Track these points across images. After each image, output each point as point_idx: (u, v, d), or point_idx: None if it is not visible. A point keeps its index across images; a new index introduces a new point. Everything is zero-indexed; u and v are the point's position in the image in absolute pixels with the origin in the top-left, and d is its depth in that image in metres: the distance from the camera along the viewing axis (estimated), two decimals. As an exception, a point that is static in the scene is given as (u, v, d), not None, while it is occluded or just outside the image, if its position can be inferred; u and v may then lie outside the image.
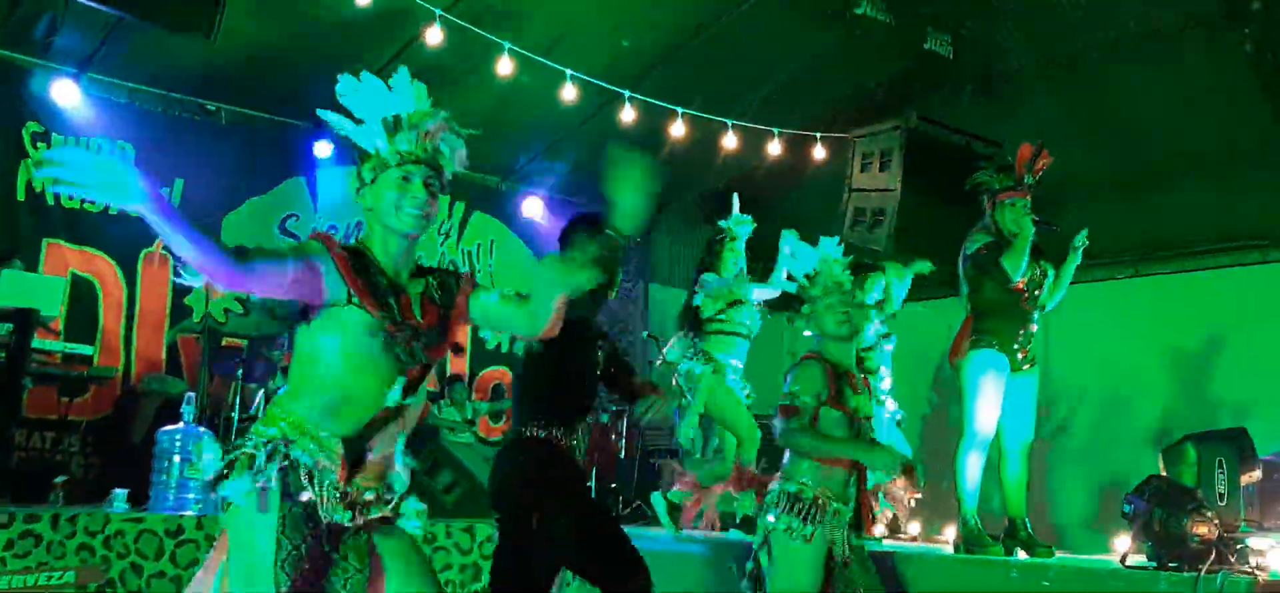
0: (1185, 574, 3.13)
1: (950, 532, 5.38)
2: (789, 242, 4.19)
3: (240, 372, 7.10)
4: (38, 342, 6.48)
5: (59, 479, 5.78)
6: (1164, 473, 3.90)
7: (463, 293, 2.69)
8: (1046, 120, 8.85)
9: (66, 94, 7.44)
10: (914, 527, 5.91)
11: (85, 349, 7.00)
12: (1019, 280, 4.81)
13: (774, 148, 8.13)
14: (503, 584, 3.58)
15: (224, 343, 8.01)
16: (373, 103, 2.63)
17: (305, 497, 2.39)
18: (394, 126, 2.61)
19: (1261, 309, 8.34)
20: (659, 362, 6.51)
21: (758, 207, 10.66)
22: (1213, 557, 3.15)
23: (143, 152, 7.68)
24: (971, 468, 4.73)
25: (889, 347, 6.45)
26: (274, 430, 2.44)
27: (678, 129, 7.79)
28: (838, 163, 8.13)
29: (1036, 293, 4.98)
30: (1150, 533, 3.40)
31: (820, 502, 3.51)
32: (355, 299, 2.47)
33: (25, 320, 5.95)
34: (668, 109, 7.71)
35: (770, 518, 3.56)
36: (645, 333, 9.15)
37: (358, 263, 2.52)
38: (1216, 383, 8.50)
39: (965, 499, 4.70)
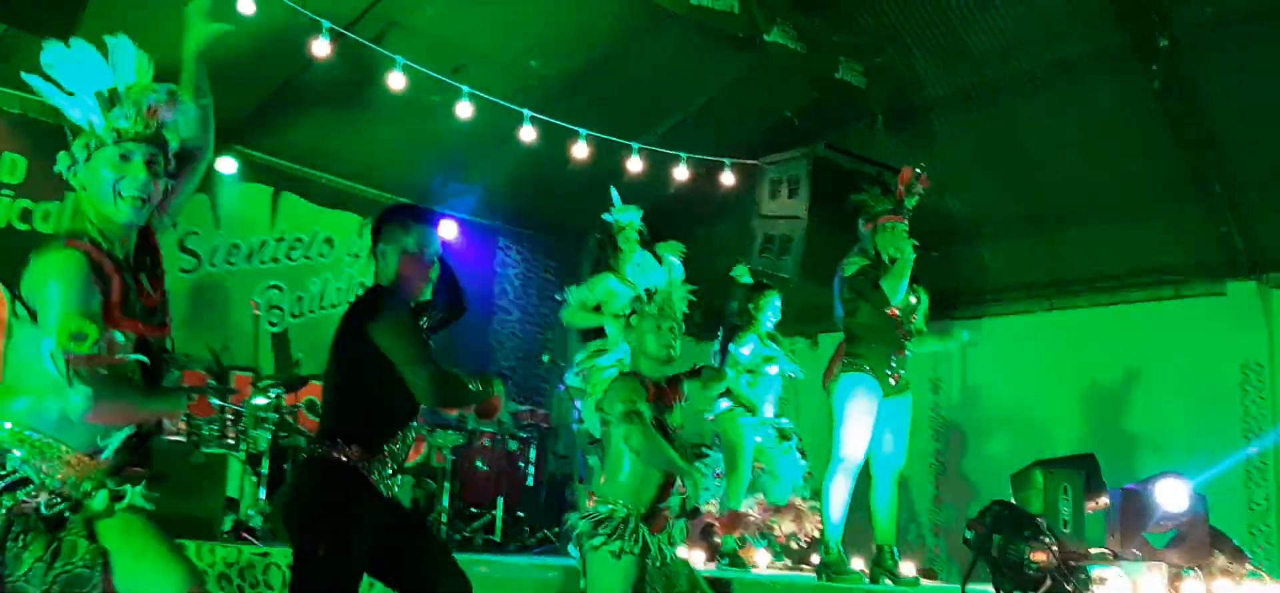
0: (1022, 604, 3.06)
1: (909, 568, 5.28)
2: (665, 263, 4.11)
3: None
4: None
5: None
6: (1010, 499, 3.84)
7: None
8: (959, 152, 8.91)
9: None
10: (763, 558, 5.83)
11: None
12: (895, 306, 4.77)
13: (682, 173, 8.05)
14: None
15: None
16: (86, 73, 2.42)
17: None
18: (110, 101, 2.41)
19: (1174, 342, 8.42)
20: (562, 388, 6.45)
21: (670, 233, 10.62)
22: (1048, 583, 3.08)
23: (33, 164, 7.44)
24: (837, 494, 4.66)
25: (773, 370, 6.39)
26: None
27: (584, 151, 7.68)
28: (748, 190, 8.07)
29: (910, 318, 4.94)
30: (990, 559, 3.33)
31: (630, 521, 3.48)
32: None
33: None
34: (573, 131, 7.59)
35: (586, 538, 3.52)
36: (546, 357, 9.01)
37: (103, 256, 2.35)
38: (1131, 415, 8.57)
39: (828, 526, 4.62)
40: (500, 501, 8.28)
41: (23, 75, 2.51)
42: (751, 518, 6.18)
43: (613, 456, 3.63)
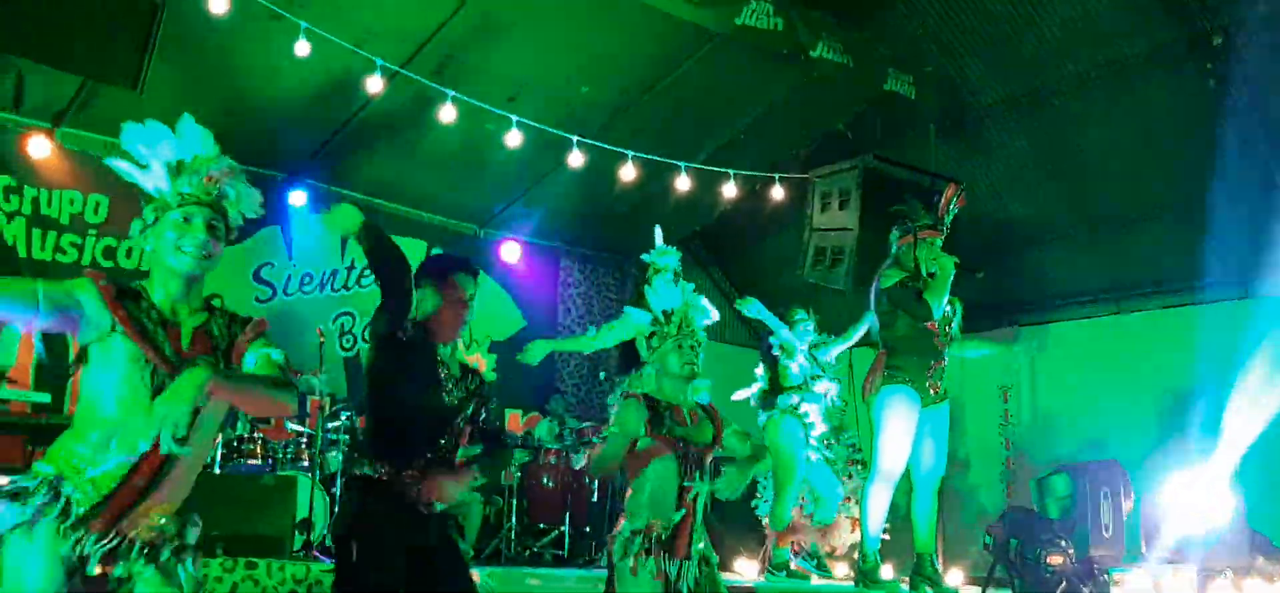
0: (1035, 606, 3.10)
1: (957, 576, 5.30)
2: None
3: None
4: (5, 392, 6.60)
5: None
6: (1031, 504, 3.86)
7: (244, 338, 2.71)
8: (1015, 158, 8.88)
9: (40, 148, 7.62)
10: (841, 569, 5.88)
11: (43, 398, 7.10)
12: (936, 318, 4.83)
13: (732, 190, 8.16)
14: None
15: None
16: (156, 147, 2.68)
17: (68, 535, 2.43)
18: (177, 170, 2.67)
19: (1243, 344, 8.25)
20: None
21: (722, 251, 10.75)
22: (1064, 586, 3.12)
23: (117, 205, 7.86)
24: (876, 504, 4.71)
25: (820, 386, 6.45)
26: (50, 468, 2.49)
27: (632, 174, 7.83)
28: (800, 204, 8.16)
29: (947, 330, 4.98)
30: (1007, 562, 3.37)
31: (654, 534, 3.59)
32: (119, 328, 2.51)
33: (-18, 368, 6.06)
34: (622, 154, 7.77)
35: (613, 553, 3.65)
36: (602, 374, 9.17)
37: (126, 296, 2.58)
38: (1202, 419, 8.41)
39: (866, 536, 4.68)
40: (567, 517, 8.44)
41: (106, 161, 2.79)
42: (801, 528, 6.25)
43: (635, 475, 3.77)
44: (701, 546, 3.76)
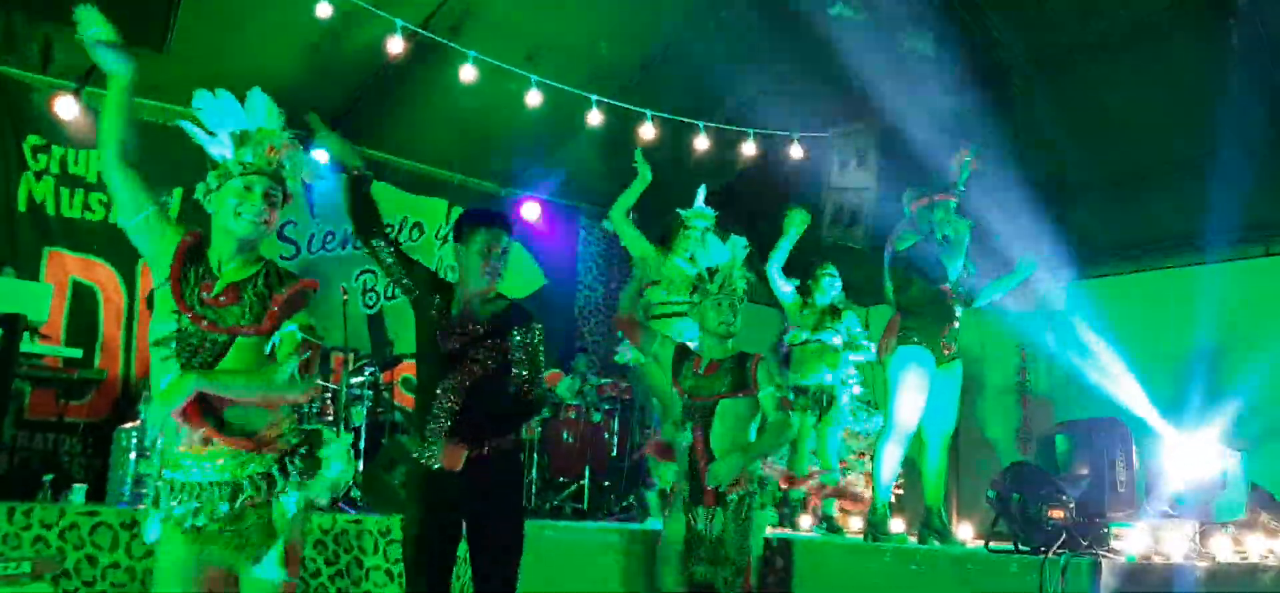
0: (1035, 556, 3.16)
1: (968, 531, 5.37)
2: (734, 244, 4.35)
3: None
4: (32, 346, 6.73)
5: (47, 478, 6.02)
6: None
7: (282, 303, 2.81)
8: (1039, 116, 8.82)
9: (67, 108, 7.72)
10: (856, 522, 5.98)
11: (75, 353, 7.25)
12: (953, 280, 4.87)
13: (752, 149, 8.17)
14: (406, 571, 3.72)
15: (223, 347, 8.24)
16: (224, 117, 2.81)
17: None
18: (241, 140, 2.78)
19: (1268, 301, 8.23)
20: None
21: (742, 209, 10.75)
22: (1063, 539, 3.18)
23: (143, 161, 7.96)
24: (889, 459, 4.81)
25: (837, 340, 6.50)
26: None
27: (651, 133, 7.86)
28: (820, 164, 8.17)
29: (960, 291, 5.02)
30: (1010, 516, 3.44)
31: (674, 487, 3.71)
32: (166, 284, 2.63)
33: (12, 325, 6.17)
34: (641, 113, 7.79)
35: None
36: (620, 332, 9.25)
37: (194, 251, 2.69)
38: (1226, 377, 8.40)
39: (878, 488, 4.77)
40: (587, 471, 8.56)
41: (177, 123, 3.00)
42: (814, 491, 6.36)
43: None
44: (740, 493, 3.83)
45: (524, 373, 3.64)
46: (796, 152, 8.21)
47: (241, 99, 2.90)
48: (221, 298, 2.73)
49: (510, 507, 3.71)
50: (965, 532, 5.00)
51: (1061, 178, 9.17)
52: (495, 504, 3.59)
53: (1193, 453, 4.45)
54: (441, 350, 3.60)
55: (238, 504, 2.67)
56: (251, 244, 2.83)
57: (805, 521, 6.33)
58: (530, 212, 10.14)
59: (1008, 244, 9.00)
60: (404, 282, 3.74)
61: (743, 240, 4.22)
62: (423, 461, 3.57)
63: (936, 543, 4.51)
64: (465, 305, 3.69)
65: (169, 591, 2.69)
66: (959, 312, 5.09)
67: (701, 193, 6.35)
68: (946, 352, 4.92)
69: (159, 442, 2.73)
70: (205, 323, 2.69)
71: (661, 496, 6.05)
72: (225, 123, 2.83)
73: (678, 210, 6.43)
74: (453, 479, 3.52)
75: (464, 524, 3.63)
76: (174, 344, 2.68)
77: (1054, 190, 9.25)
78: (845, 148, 7.70)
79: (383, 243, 3.70)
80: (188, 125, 2.88)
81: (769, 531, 5.15)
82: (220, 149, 2.84)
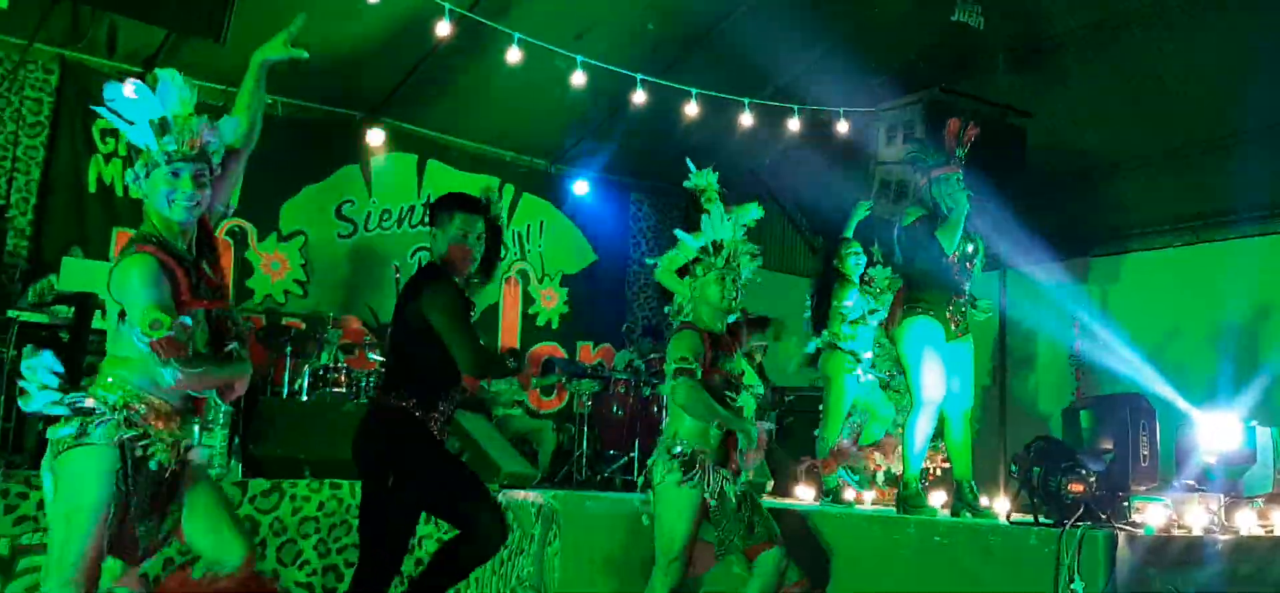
0: (1053, 529, 3.21)
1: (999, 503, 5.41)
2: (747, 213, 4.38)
3: (288, 349, 7.55)
4: (102, 323, 7.03)
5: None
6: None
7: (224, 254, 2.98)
8: (1093, 87, 8.73)
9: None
10: (869, 495, 6.01)
11: (142, 329, 7.52)
12: (953, 253, 4.89)
13: (799, 125, 8.21)
14: (365, 530, 3.91)
15: (283, 322, 8.51)
16: (140, 106, 2.92)
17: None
18: (161, 129, 2.90)
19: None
20: None
21: (790, 184, 10.79)
22: (1081, 512, 3.22)
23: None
24: (920, 432, 4.86)
25: (876, 321, 6.54)
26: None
27: (695, 110, 7.92)
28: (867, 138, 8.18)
29: (968, 265, 5.05)
30: (1031, 489, 3.48)
31: (696, 458, 3.77)
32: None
33: (84, 304, 6.46)
34: (702, 93, 7.86)
35: (655, 472, 3.85)
36: (668, 308, 9.34)
37: (169, 254, 2.87)
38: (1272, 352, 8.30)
39: (909, 461, 4.82)
40: (635, 443, 8.69)
41: (94, 108, 3.09)
42: (846, 452, 6.41)
43: (672, 403, 3.96)
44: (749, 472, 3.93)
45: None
46: (843, 127, 8.22)
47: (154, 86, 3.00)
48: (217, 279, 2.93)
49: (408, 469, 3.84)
50: (1005, 505, 5.03)
51: (1116, 150, 9.07)
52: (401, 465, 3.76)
53: (1225, 426, 4.44)
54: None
55: None
56: (188, 227, 2.96)
57: (868, 496, 6.38)
58: (581, 188, 10.27)
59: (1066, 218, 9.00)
60: None
61: (753, 207, 4.22)
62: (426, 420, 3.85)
63: (968, 515, 4.56)
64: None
65: None
66: (966, 286, 5.10)
67: (689, 162, 6.04)
68: (954, 324, 4.95)
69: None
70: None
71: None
72: (143, 111, 2.93)
73: (684, 185, 6.29)
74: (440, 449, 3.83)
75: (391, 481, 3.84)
76: None
77: (1107, 163, 9.17)
78: (892, 122, 7.68)
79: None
80: (105, 112, 2.97)
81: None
82: (143, 137, 2.94)
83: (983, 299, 5.37)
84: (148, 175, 2.93)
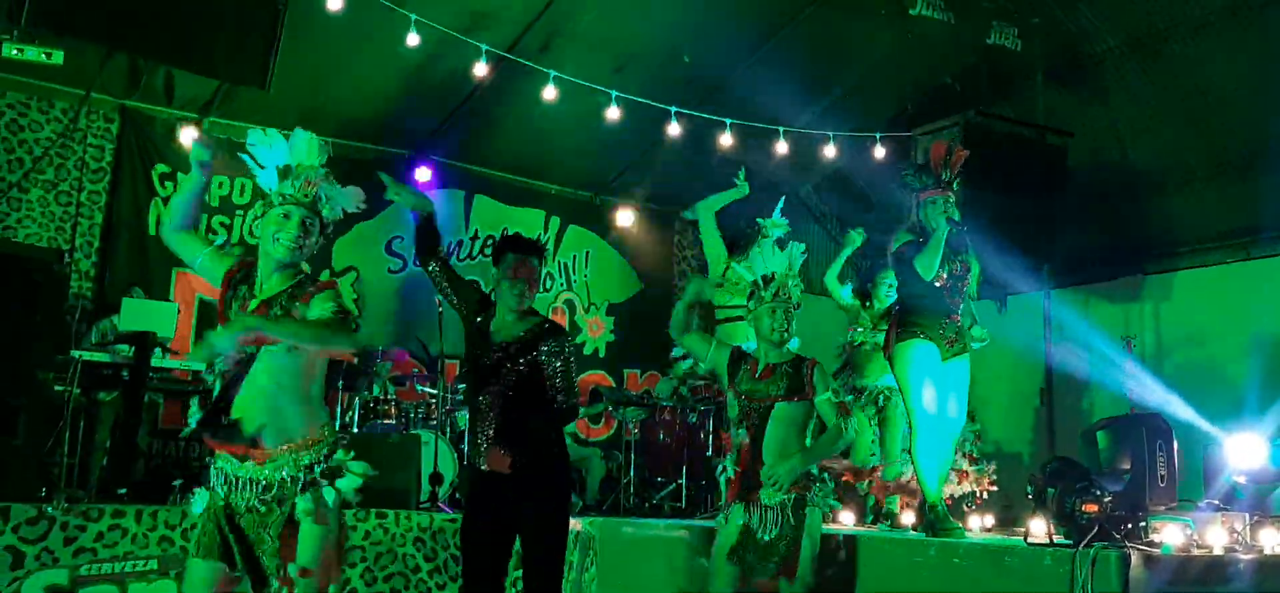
0: (1067, 549, 3.22)
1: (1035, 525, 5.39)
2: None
3: (340, 383, 7.75)
4: (162, 360, 7.29)
5: (177, 482, 6.53)
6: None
7: (308, 293, 3.13)
8: (1136, 103, 8.67)
9: (191, 138, 8.27)
10: (908, 517, 6.01)
11: (198, 366, 7.79)
12: (934, 278, 4.91)
13: (834, 152, 8.27)
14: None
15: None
16: (273, 154, 3.13)
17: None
18: (284, 174, 3.10)
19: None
20: None
21: (828, 210, 10.80)
22: (1096, 531, 3.24)
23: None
24: (927, 456, 4.90)
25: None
26: None
27: (730, 141, 8.03)
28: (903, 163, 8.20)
29: (960, 285, 5.07)
30: (1047, 510, 3.50)
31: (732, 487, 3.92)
32: (213, 303, 3.02)
33: (143, 342, 6.73)
34: (736, 122, 7.97)
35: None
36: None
37: (240, 275, 3.06)
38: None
39: (928, 486, 4.85)
40: (683, 470, 8.75)
41: (240, 155, 3.35)
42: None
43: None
44: (791, 494, 3.99)
45: (557, 382, 3.92)
46: (879, 152, 8.27)
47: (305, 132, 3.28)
48: (256, 311, 3.06)
49: (553, 507, 3.98)
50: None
51: (1161, 166, 8.99)
52: (539, 505, 3.87)
53: (1252, 445, 4.40)
54: (482, 363, 3.95)
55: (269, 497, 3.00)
56: (289, 265, 3.15)
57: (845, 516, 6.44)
58: (624, 218, 10.41)
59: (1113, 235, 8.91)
60: (452, 299, 4.10)
61: (800, 247, 4.38)
62: (476, 463, 3.92)
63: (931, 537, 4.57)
64: (501, 321, 4.04)
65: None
66: (961, 306, 5.11)
67: (781, 203, 6.52)
68: (949, 344, 4.97)
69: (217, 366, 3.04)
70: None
71: None
72: (274, 158, 3.18)
73: (758, 220, 6.60)
74: (501, 480, 3.84)
75: (514, 523, 3.95)
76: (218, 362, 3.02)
77: (1153, 179, 9.08)
78: (929, 145, 7.70)
79: (436, 266, 4.07)
80: (246, 158, 3.23)
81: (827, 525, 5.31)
82: (268, 181, 3.19)
83: (977, 326, 5.37)
84: (263, 216, 3.18)
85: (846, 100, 8.59)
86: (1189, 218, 9.27)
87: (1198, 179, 9.02)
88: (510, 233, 4.31)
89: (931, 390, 4.85)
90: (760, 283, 4.22)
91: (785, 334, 4.20)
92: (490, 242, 9.91)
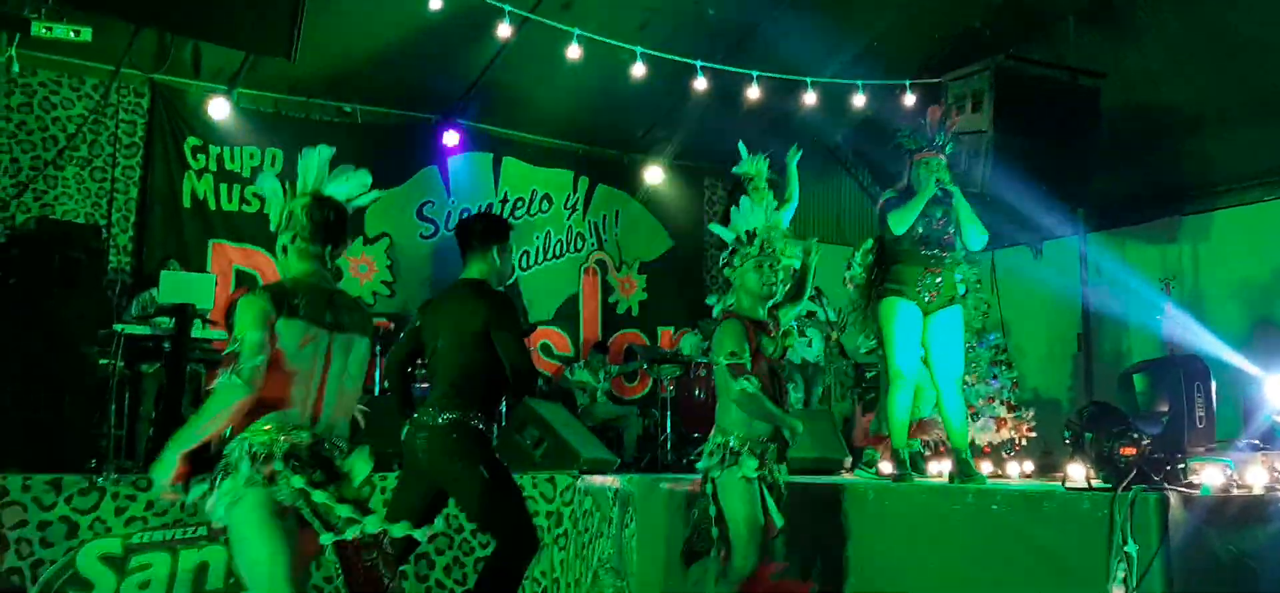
0: (1105, 493, 3.21)
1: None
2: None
3: (377, 348, 7.82)
4: (202, 331, 7.38)
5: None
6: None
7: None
8: (1169, 43, 8.53)
9: (219, 109, 8.37)
10: (934, 467, 5.98)
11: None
12: (901, 233, 4.92)
13: (864, 101, 8.20)
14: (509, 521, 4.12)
15: (373, 323, 8.81)
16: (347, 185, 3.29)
17: None
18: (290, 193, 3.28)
19: None
20: None
21: (857, 161, 10.72)
22: (1133, 475, 3.22)
23: (288, 155, 8.57)
24: (897, 408, 4.97)
25: None
26: None
27: (757, 93, 7.97)
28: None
29: (944, 239, 5.04)
30: (1084, 455, 3.49)
31: (747, 446, 3.84)
32: None
33: (183, 314, 6.81)
34: (763, 75, 7.90)
35: (709, 463, 3.94)
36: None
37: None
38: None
39: (894, 434, 4.95)
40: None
41: (257, 185, 3.38)
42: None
43: (722, 392, 4.01)
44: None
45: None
46: (909, 99, 8.19)
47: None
48: None
49: (468, 472, 3.98)
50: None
51: (1197, 105, 8.84)
52: (458, 469, 3.95)
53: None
54: None
55: None
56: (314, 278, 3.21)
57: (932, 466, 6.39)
58: (653, 176, 10.39)
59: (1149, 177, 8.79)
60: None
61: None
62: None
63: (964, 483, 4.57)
64: None
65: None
66: (946, 260, 5.07)
67: (742, 146, 5.99)
68: (931, 297, 4.98)
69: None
70: None
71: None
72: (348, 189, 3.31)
73: (733, 171, 6.28)
74: (415, 449, 4.05)
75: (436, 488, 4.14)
76: None
77: (1189, 116, 8.94)
78: (960, 91, 7.63)
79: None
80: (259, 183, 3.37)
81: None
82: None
83: (963, 266, 5.24)
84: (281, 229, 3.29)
85: (875, 47, 8.50)
86: (1226, 158, 9.13)
87: (1234, 119, 8.87)
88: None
89: (907, 347, 4.93)
90: (743, 238, 4.11)
91: (774, 289, 4.07)
92: (520, 204, 9.94)
